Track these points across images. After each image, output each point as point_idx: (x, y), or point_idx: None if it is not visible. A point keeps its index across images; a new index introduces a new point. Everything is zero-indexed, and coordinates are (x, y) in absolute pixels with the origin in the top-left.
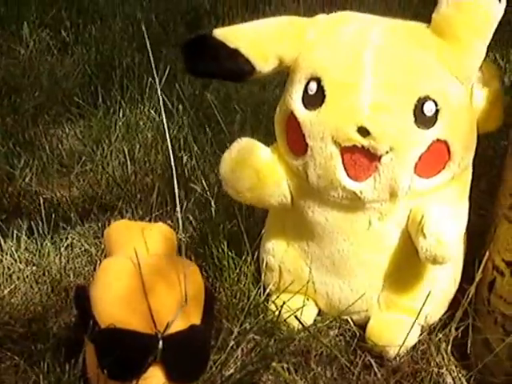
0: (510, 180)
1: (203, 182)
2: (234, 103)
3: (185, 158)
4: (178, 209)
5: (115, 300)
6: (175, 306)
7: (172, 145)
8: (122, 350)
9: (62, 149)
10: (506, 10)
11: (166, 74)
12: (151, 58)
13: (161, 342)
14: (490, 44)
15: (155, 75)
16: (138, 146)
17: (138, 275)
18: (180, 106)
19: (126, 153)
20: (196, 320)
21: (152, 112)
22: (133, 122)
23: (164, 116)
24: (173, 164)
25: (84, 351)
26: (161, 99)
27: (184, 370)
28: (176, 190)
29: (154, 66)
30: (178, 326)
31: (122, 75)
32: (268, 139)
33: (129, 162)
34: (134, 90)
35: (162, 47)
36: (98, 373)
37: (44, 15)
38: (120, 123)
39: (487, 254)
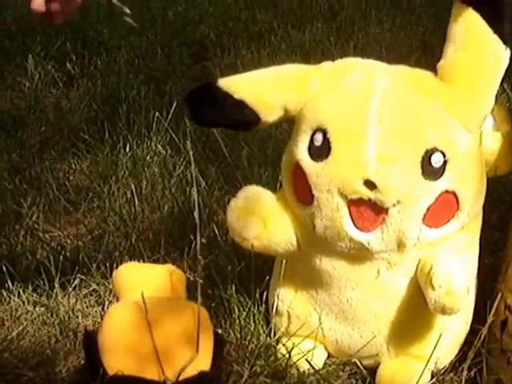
0: None
1: (209, 218)
2: (240, 138)
3: (193, 195)
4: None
5: (122, 346)
6: (184, 351)
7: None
8: None
9: (68, 185)
10: None
11: (173, 107)
12: None
13: None
14: None
15: None
16: (145, 183)
17: (145, 320)
18: (187, 141)
19: (133, 189)
20: (205, 366)
21: (159, 147)
22: (140, 157)
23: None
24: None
25: None
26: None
27: None
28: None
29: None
30: (187, 372)
31: (128, 109)
32: (274, 174)
33: (136, 199)
34: (140, 125)
35: (168, 79)
36: None
37: (49, 47)
38: (127, 158)
39: (499, 294)
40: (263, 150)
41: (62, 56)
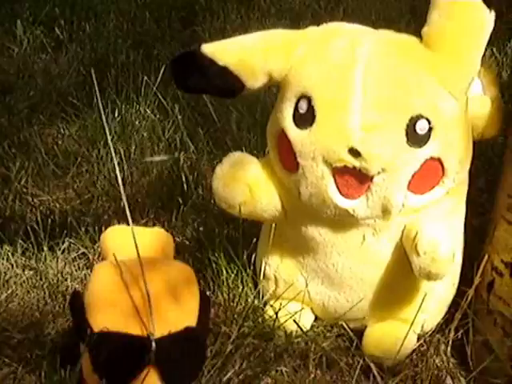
0: (509, 181)
1: (198, 182)
2: (229, 102)
3: (181, 159)
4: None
5: (107, 303)
6: (168, 306)
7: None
8: (115, 353)
9: (57, 150)
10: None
11: (161, 72)
12: None
13: (154, 344)
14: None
15: None
16: (133, 147)
17: (129, 277)
18: (176, 105)
19: (122, 153)
20: (191, 322)
21: (148, 111)
22: (128, 122)
23: None
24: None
25: (81, 357)
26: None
27: (179, 371)
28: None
29: None
30: (173, 327)
31: (116, 74)
32: (263, 139)
33: (125, 163)
34: (129, 89)
35: (157, 44)
36: (94, 378)
37: (38, 12)
38: (115, 123)
39: (486, 256)
40: (252, 115)
41: (50, 21)
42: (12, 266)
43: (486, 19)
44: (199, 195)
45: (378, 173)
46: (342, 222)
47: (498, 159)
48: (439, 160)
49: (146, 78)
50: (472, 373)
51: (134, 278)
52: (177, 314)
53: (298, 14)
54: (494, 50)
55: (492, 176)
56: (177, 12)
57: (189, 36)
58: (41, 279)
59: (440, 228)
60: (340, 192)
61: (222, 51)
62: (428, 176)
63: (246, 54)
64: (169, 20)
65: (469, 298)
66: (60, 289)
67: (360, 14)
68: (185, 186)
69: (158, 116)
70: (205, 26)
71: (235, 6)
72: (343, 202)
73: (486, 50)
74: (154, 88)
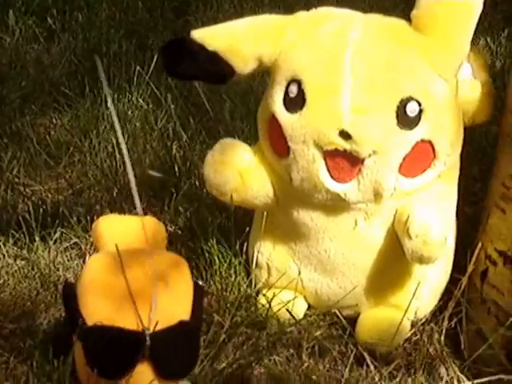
0: (502, 169)
1: (191, 171)
2: (222, 91)
3: (174, 148)
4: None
5: (101, 297)
6: (163, 301)
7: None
8: (109, 347)
9: (49, 140)
10: None
11: (154, 61)
12: None
13: (148, 339)
14: (481, 28)
15: None
16: (126, 136)
17: (124, 271)
18: (168, 95)
19: (114, 143)
20: (185, 315)
21: (140, 101)
22: (121, 112)
23: None
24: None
25: (73, 348)
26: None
27: (173, 366)
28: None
29: None
30: (167, 321)
31: (109, 64)
32: (256, 128)
33: (117, 153)
34: (121, 79)
35: (150, 34)
36: (87, 370)
37: (30, 2)
38: (108, 113)
39: (479, 244)
40: (245, 104)
41: (43, 11)
42: (3, 255)
43: (475, 2)
44: (191, 184)
45: (369, 155)
46: (334, 206)
47: (492, 148)
48: (430, 142)
49: (138, 67)
50: (465, 361)
51: (126, 269)
52: (171, 307)
53: (291, 3)
54: (488, 39)
55: (485, 165)
56: (169, 2)
57: (181, 26)
58: (33, 269)
59: (431, 211)
60: (331, 176)
61: (212, 36)
62: (419, 159)
63: (236, 38)
64: (161, 10)
65: (462, 287)
66: (52, 279)
67: (353, 4)
68: (177, 175)
69: (150, 106)
70: (198, 15)
71: None
72: (334, 186)
73: (479, 39)
74: (147, 78)
